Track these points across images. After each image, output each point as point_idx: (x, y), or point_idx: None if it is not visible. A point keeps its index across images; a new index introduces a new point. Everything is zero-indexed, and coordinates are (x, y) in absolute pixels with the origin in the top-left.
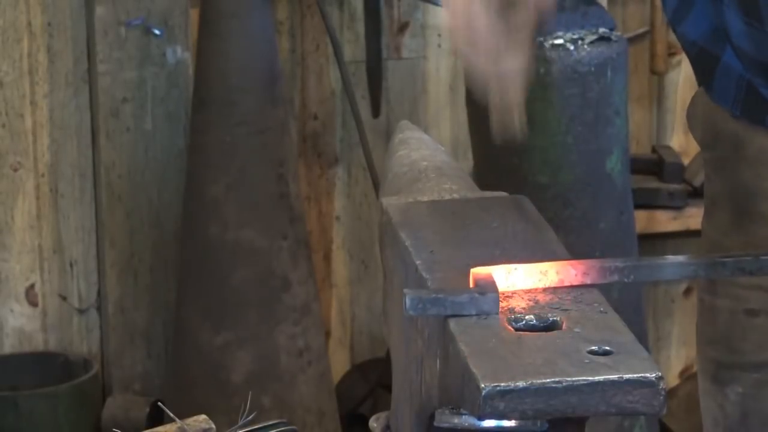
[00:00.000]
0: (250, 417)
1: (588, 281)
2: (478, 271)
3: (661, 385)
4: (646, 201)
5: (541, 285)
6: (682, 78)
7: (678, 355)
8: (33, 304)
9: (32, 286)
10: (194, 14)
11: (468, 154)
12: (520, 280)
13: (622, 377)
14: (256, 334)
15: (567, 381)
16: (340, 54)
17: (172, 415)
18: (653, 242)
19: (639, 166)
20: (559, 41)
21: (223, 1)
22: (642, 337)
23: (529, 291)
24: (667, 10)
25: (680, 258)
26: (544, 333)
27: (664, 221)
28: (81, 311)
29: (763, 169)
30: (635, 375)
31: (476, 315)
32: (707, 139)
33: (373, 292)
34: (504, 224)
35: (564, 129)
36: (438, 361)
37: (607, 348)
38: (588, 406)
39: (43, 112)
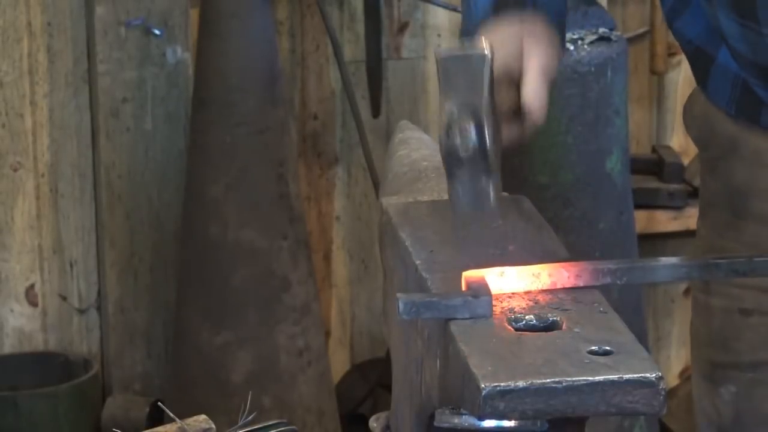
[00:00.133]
0: (250, 417)
1: (581, 283)
2: (471, 275)
3: (661, 385)
4: (646, 201)
5: (533, 287)
6: (682, 78)
7: (678, 355)
8: (33, 304)
9: (32, 286)
10: (194, 14)
11: None
12: (513, 282)
13: (622, 377)
14: (256, 334)
15: (567, 381)
16: (340, 54)
17: (172, 415)
18: (653, 242)
19: (639, 166)
20: None
21: (223, 1)
22: (642, 337)
23: (529, 291)
24: (665, 6)
25: (673, 260)
26: (544, 333)
27: (664, 221)
28: (81, 311)
29: (758, 169)
30: (635, 375)
31: (470, 318)
32: (703, 138)
33: (373, 292)
34: (504, 224)
35: (564, 129)
36: (438, 361)
37: (607, 348)
38: (588, 406)
39: (43, 112)
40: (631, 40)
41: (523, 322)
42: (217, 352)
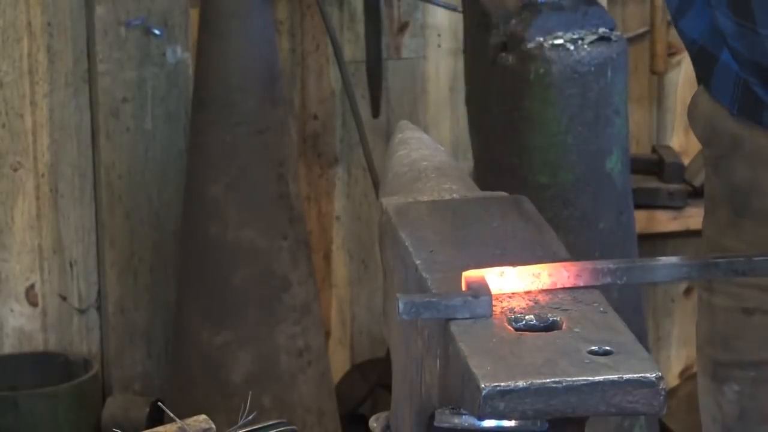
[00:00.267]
0: (250, 417)
1: (581, 283)
2: (471, 274)
3: (661, 385)
4: (646, 201)
5: (533, 287)
6: (682, 78)
7: (678, 355)
8: (33, 304)
9: (32, 286)
10: (194, 14)
11: (468, 154)
12: (513, 282)
13: (622, 377)
14: (256, 334)
15: (567, 381)
16: (340, 54)
17: (172, 415)
18: (653, 242)
19: (639, 166)
20: (559, 41)
21: (223, 1)
22: (642, 337)
23: (529, 291)
24: (670, 7)
25: (673, 259)
26: (544, 333)
27: (664, 221)
28: (81, 311)
29: (761, 168)
30: (635, 375)
31: (471, 318)
32: (706, 136)
33: (373, 292)
34: (504, 224)
35: (564, 129)
36: (438, 361)
37: (607, 348)
38: (588, 406)
39: (43, 112)
40: (631, 40)
41: (523, 322)
42: (217, 352)
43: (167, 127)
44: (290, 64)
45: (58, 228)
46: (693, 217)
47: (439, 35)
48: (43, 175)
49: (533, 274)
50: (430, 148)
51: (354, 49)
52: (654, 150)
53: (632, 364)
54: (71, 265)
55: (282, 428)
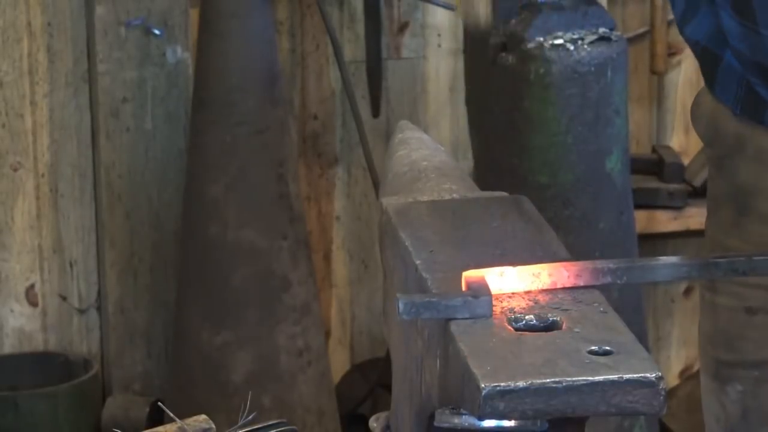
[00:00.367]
0: (250, 417)
1: (581, 283)
2: (471, 274)
3: (661, 385)
4: (646, 201)
5: (534, 287)
6: (682, 78)
7: (678, 355)
8: (33, 304)
9: (32, 286)
10: (194, 14)
11: (468, 154)
12: (513, 282)
13: (622, 377)
14: (256, 334)
15: (567, 381)
16: (340, 54)
17: (172, 415)
18: (653, 242)
19: (639, 166)
20: (559, 41)
21: (223, 1)
22: (642, 337)
23: (529, 291)
24: (675, 13)
25: (673, 259)
26: (544, 333)
27: (664, 221)
28: (81, 311)
29: (763, 168)
30: (635, 375)
31: (470, 318)
32: (709, 136)
33: (373, 292)
34: (504, 224)
35: (564, 129)
36: (438, 361)
37: (607, 348)
38: (588, 406)
39: (43, 112)
40: (631, 40)
41: (523, 322)
42: (217, 352)
43: (167, 127)
44: (290, 64)
45: (58, 228)
46: (693, 217)
47: (439, 35)
48: (43, 175)
49: (533, 274)
50: (430, 148)
51: (354, 49)
52: (654, 150)
53: (632, 364)
54: (71, 265)
55: (282, 428)
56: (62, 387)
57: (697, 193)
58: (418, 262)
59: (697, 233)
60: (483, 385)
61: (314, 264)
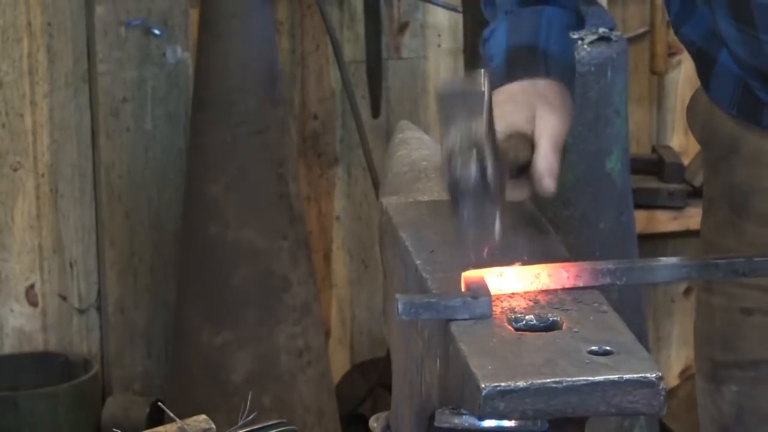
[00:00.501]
0: (250, 417)
1: (580, 283)
2: (470, 275)
3: (661, 385)
4: (646, 201)
5: (533, 288)
6: (682, 78)
7: (678, 355)
8: (33, 304)
9: (32, 286)
10: (194, 14)
11: None
12: (512, 282)
13: (622, 377)
14: (256, 334)
15: (567, 381)
16: (340, 54)
17: (172, 415)
18: (653, 242)
19: (639, 166)
20: None
21: (223, 1)
22: (642, 337)
23: (529, 291)
24: (670, 12)
25: (673, 260)
26: (544, 333)
27: (664, 221)
28: (81, 311)
29: (759, 169)
30: (635, 375)
31: (470, 319)
32: (705, 137)
33: (373, 292)
34: (504, 224)
35: None
36: (438, 361)
37: (608, 348)
38: (588, 406)
39: (43, 112)
40: (631, 40)
41: (523, 322)
42: (217, 352)
43: (167, 127)
44: (290, 64)
45: (58, 228)
46: (693, 217)
47: (439, 35)
48: (43, 175)
49: (533, 275)
50: (430, 148)
51: (354, 49)
52: (654, 150)
53: (632, 364)
54: (71, 265)
55: (282, 428)
56: (62, 387)
57: (697, 193)
58: (418, 262)
59: (697, 233)
60: (483, 385)
61: (314, 264)
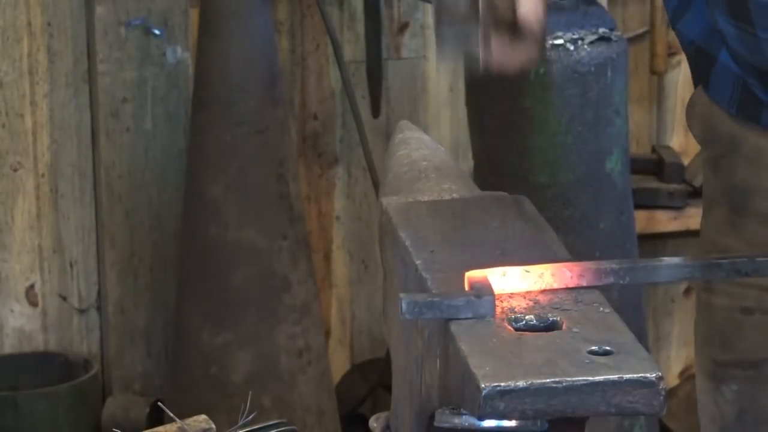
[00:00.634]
0: (250, 417)
1: (583, 283)
2: (474, 274)
3: (661, 385)
4: (646, 201)
5: (536, 287)
6: (682, 78)
7: (678, 355)
8: (33, 304)
9: (32, 286)
10: (194, 14)
11: (468, 154)
12: (516, 282)
13: (622, 377)
14: (256, 334)
15: (567, 381)
16: (340, 54)
17: (172, 415)
18: (653, 242)
19: (639, 166)
20: (559, 41)
21: (223, 1)
22: (642, 337)
23: (529, 291)
24: (668, 7)
25: (676, 259)
26: (544, 333)
27: (664, 221)
28: (81, 311)
29: (759, 168)
30: (635, 375)
31: (473, 318)
32: (705, 137)
33: (373, 292)
34: (504, 224)
35: (564, 129)
36: (438, 361)
37: (608, 348)
38: (588, 406)
39: (43, 112)
40: (631, 40)
41: (523, 322)
42: (217, 352)
43: (167, 127)
44: (290, 64)
45: (58, 228)
46: (693, 217)
47: None
48: (43, 175)
49: (536, 275)
50: (430, 148)
51: (354, 49)
52: (654, 150)
53: (632, 364)
54: (71, 265)
55: (282, 428)
56: (62, 387)
57: (697, 193)
58: (418, 262)
59: (697, 233)
60: (483, 385)
61: (314, 264)
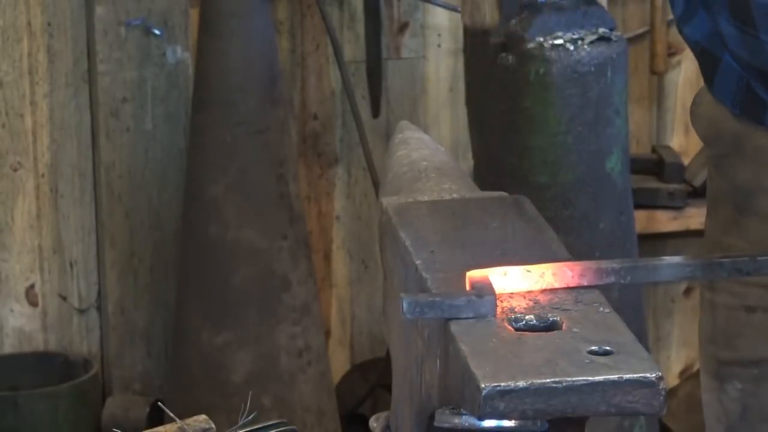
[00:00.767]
0: (250, 417)
1: (585, 282)
2: (475, 274)
3: (661, 385)
4: (646, 201)
5: (537, 287)
6: (682, 78)
7: (678, 355)
8: (33, 304)
9: (32, 286)
10: (194, 14)
11: (468, 154)
12: (517, 282)
13: (622, 377)
14: (256, 334)
15: (567, 381)
16: (340, 54)
17: (172, 415)
18: (653, 242)
19: (639, 166)
20: (559, 41)
21: (223, 1)
22: (642, 337)
23: (529, 291)
24: (675, 12)
25: (677, 259)
26: (544, 333)
27: (664, 221)
28: (81, 311)
29: (763, 168)
30: (635, 375)
31: (474, 318)
32: (709, 136)
33: (373, 292)
34: (504, 224)
35: (564, 129)
36: (438, 361)
37: (608, 348)
38: (588, 406)
39: (43, 112)
40: (631, 40)
41: (524, 322)
42: (217, 352)
43: (167, 127)
44: (290, 64)
45: (58, 228)
46: (693, 217)
47: (439, 35)
48: (43, 175)
49: (537, 274)
50: (430, 148)
51: (354, 49)
52: (654, 150)
53: (632, 364)
54: (71, 265)
55: (282, 428)
56: (62, 387)
57: (697, 193)
58: (418, 262)
59: (697, 233)
60: (483, 385)
61: (314, 264)
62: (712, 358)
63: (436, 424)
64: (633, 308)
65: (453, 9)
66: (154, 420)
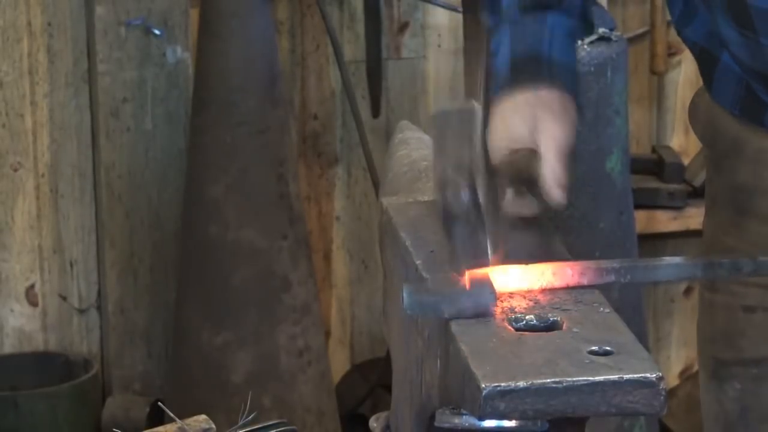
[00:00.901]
0: (250, 417)
1: (585, 282)
2: (475, 273)
3: (662, 385)
4: (646, 201)
5: (537, 286)
6: (682, 78)
7: (678, 355)
8: (33, 304)
9: (32, 286)
10: (194, 14)
11: None
12: (517, 281)
13: (622, 377)
14: (256, 334)
15: (567, 381)
16: (340, 54)
17: (172, 415)
18: (653, 242)
19: (639, 166)
20: None
21: (223, 1)
22: (642, 337)
23: (529, 291)
24: (672, 13)
25: (677, 259)
26: (544, 333)
27: (664, 221)
28: (81, 311)
29: (762, 169)
30: (636, 375)
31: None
32: (708, 136)
33: (373, 292)
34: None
35: None
36: (438, 361)
37: (608, 348)
38: (588, 406)
39: (43, 112)
40: (631, 40)
41: (524, 322)
42: (217, 352)
43: (167, 127)
44: (290, 64)
45: (58, 228)
46: (693, 217)
47: (439, 35)
48: (43, 175)
49: (537, 273)
50: (430, 148)
51: (354, 49)
52: (654, 150)
53: (632, 364)
54: (71, 265)
55: (282, 428)
56: (62, 387)
57: (697, 193)
58: (418, 262)
59: (697, 233)
60: (483, 385)
61: (314, 264)
62: (711, 358)
63: (436, 424)
64: (633, 308)
65: (453, 9)
66: (154, 420)
